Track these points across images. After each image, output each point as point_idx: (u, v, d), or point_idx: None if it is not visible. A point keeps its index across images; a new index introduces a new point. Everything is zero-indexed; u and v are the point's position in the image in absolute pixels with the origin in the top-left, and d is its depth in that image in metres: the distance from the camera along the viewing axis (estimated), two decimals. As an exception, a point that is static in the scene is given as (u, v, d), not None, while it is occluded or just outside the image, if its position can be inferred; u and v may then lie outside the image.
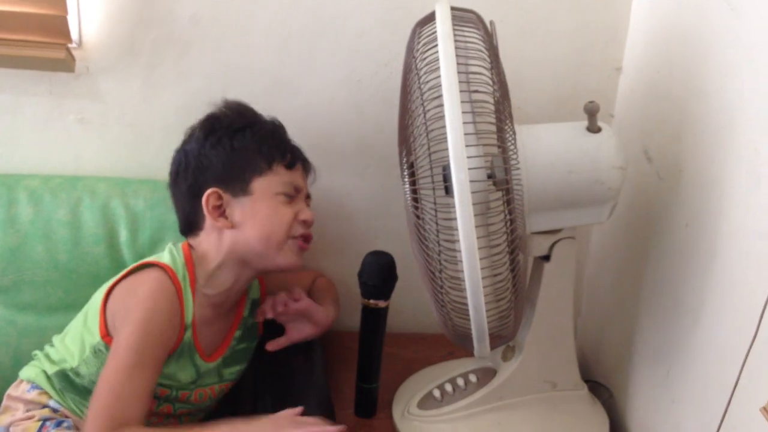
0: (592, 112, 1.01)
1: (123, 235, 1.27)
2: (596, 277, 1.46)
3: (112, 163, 1.36)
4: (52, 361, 1.13)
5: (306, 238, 1.17)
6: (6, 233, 1.24)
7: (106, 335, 1.08)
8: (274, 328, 1.24)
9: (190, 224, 1.17)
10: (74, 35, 1.26)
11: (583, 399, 1.23)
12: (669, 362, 1.12)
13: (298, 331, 1.24)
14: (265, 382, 1.21)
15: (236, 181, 1.13)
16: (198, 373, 1.15)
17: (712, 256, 1.01)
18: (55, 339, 1.17)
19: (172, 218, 1.26)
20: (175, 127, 1.34)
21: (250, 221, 1.13)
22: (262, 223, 1.13)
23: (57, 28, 1.23)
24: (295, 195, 1.16)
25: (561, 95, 1.36)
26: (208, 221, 1.14)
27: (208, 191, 1.13)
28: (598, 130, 1.03)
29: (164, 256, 1.13)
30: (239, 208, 1.13)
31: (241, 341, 1.22)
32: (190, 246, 1.16)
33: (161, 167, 1.36)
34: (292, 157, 1.17)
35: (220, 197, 1.13)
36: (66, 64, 1.26)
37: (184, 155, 1.17)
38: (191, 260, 1.14)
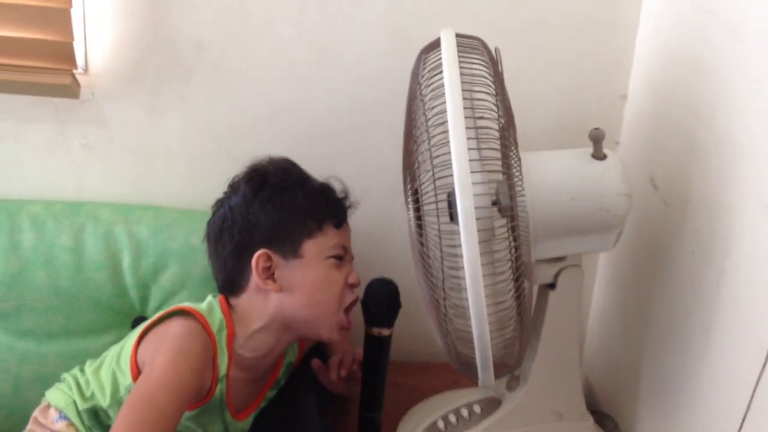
0: (597, 139, 1.00)
1: (126, 261, 1.26)
2: (602, 306, 1.45)
3: (116, 189, 1.36)
4: (83, 395, 1.10)
5: (353, 303, 1.15)
6: (8, 259, 1.23)
7: (138, 377, 1.05)
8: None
9: (232, 283, 1.14)
10: (80, 61, 1.27)
11: (588, 431, 1.21)
12: (676, 393, 1.10)
13: (337, 385, 1.22)
14: (268, 411, 1.19)
15: (286, 243, 1.11)
16: (227, 430, 1.13)
17: (719, 284, 1.00)
18: (89, 366, 1.14)
19: (175, 245, 1.26)
20: (179, 153, 1.35)
21: (300, 287, 1.10)
22: (315, 290, 1.11)
23: (63, 54, 1.23)
24: (344, 256, 1.14)
25: (566, 122, 1.36)
26: (254, 283, 1.11)
27: (259, 252, 1.10)
28: (604, 157, 1.02)
29: (201, 306, 1.10)
30: (289, 271, 1.10)
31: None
32: (229, 304, 1.13)
33: (165, 193, 1.37)
34: (341, 217, 1.16)
35: (269, 259, 1.10)
36: (71, 90, 1.26)
37: (229, 211, 1.13)
38: (230, 317, 1.11)
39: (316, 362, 1.22)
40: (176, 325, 1.06)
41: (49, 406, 1.12)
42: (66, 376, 1.15)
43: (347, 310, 1.15)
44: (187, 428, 1.08)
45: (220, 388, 1.08)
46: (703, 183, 1.06)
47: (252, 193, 1.13)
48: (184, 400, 1.00)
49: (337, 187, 1.19)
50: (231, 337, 1.10)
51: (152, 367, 1.01)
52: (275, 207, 1.11)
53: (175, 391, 0.99)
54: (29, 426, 1.12)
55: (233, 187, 1.16)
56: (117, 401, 1.07)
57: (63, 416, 1.10)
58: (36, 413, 1.13)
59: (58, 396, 1.12)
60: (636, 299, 1.29)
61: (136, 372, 1.06)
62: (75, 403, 1.10)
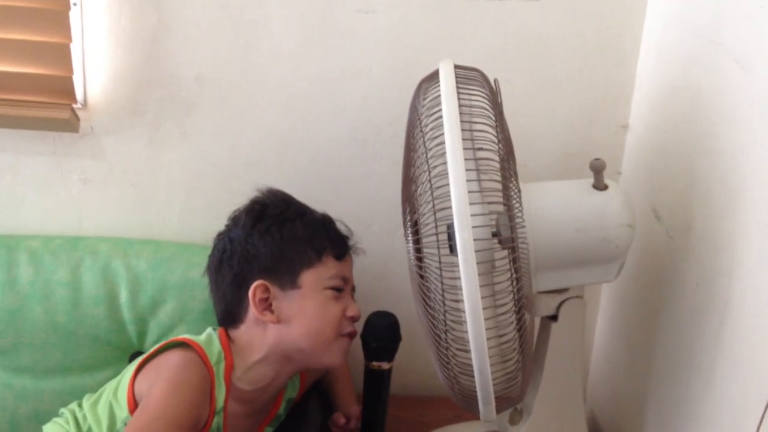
0: (597, 169, 1.00)
1: (123, 296, 1.25)
2: (606, 338, 1.44)
3: (116, 223, 1.36)
4: (80, 430, 1.09)
5: (351, 335, 1.13)
6: (5, 295, 1.23)
7: (135, 410, 1.03)
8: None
9: (231, 315, 1.13)
10: (79, 95, 1.27)
11: (594, 465, 1.20)
12: (681, 425, 1.09)
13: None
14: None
15: (285, 273, 1.10)
16: None
17: (724, 315, 0.99)
18: (86, 401, 1.13)
19: (173, 279, 1.25)
20: (179, 187, 1.35)
21: (298, 318, 1.09)
22: (311, 321, 1.09)
23: (62, 88, 1.23)
24: (343, 287, 1.13)
25: (568, 153, 1.35)
26: (252, 314, 1.10)
27: (256, 283, 1.09)
28: (605, 187, 1.01)
29: (200, 338, 1.10)
30: (287, 302, 1.10)
31: None
32: (228, 336, 1.12)
33: (164, 227, 1.37)
34: (342, 248, 1.15)
35: (267, 290, 1.09)
36: (70, 124, 1.26)
37: (229, 242, 1.13)
38: (229, 349, 1.10)
39: (337, 416, 1.22)
40: (174, 357, 1.06)
41: None
42: (64, 410, 1.14)
43: (348, 340, 1.13)
44: None
45: (217, 421, 1.06)
46: (707, 213, 1.05)
47: (251, 224, 1.12)
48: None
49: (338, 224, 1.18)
50: (229, 369, 1.08)
51: (149, 398, 1.00)
52: (274, 238, 1.11)
53: (171, 423, 0.97)
54: None
55: (234, 219, 1.16)
56: None
57: None
58: None
59: (55, 430, 1.11)
60: (640, 331, 1.27)
61: (133, 405, 1.04)
62: None
